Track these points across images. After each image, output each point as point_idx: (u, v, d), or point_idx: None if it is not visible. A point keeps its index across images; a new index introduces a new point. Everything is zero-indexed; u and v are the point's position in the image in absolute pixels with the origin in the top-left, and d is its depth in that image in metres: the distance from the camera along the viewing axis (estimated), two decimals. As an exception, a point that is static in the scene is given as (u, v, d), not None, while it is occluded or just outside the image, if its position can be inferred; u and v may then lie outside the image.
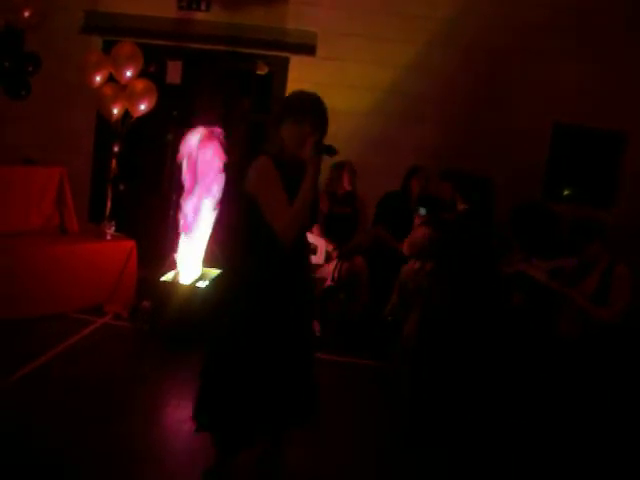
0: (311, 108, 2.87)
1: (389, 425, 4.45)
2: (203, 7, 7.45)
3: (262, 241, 2.85)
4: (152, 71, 6.88)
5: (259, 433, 3.14)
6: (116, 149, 6.51)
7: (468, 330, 4.59)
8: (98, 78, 6.23)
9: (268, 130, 2.95)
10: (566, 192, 7.64)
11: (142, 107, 6.32)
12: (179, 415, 4.23)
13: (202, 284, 5.74)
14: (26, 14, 5.98)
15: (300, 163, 2.88)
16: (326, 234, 6.26)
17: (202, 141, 5.50)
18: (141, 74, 6.40)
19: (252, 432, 3.06)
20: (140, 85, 6.31)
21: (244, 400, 2.94)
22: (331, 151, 2.87)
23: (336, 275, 6.00)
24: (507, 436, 4.27)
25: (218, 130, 5.55)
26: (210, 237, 5.73)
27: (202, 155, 5.50)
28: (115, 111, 6.31)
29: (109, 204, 6.61)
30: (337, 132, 2.93)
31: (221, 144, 5.52)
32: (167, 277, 5.73)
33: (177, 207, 5.68)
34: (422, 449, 4.14)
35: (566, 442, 4.22)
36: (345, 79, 7.30)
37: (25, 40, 6.26)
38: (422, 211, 5.34)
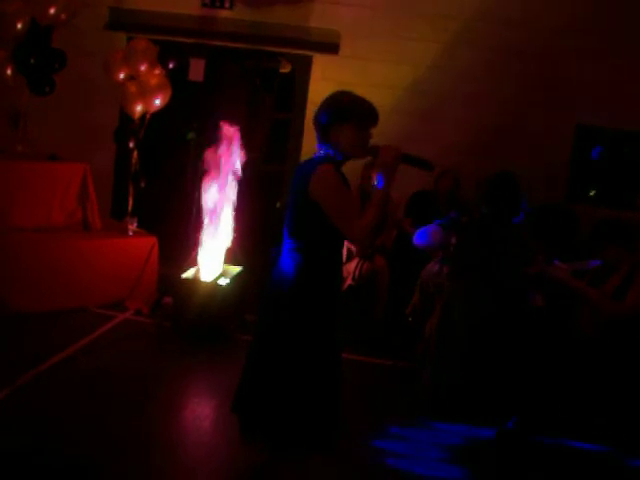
0: (375, 115, 2.89)
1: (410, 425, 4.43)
2: (227, 5, 7.45)
3: (325, 246, 2.91)
4: (172, 68, 6.89)
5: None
6: (133, 145, 6.55)
7: (488, 330, 4.58)
8: (122, 75, 6.26)
9: (323, 131, 2.90)
10: (590, 194, 7.58)
11: (156, 102, 6.32)
12: (199, 411, 4.26)
13: (223, 281, 5.76)
14: (51, 11, 6.01)
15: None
16: None
17: (223, 139, 5.53)
18: (166, 71, 6.41)
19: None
20: (153, 80, 6.30)
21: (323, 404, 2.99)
22: (428, 167, 2.89)
23: (357, 275, 5.96)
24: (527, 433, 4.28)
25: (239, 128, 5.57)
26: (232, 236, 5.76)
27: (223, 153, 5.53)
28: (138, 108, 6.33)
29: (131, 200, 6.65)
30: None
31: (242, 142, 5.54)
32: (188, 274, 5.75)
33: (199, 204, 5.70)
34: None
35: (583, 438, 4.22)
36: (368, 78, 7.26)
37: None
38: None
